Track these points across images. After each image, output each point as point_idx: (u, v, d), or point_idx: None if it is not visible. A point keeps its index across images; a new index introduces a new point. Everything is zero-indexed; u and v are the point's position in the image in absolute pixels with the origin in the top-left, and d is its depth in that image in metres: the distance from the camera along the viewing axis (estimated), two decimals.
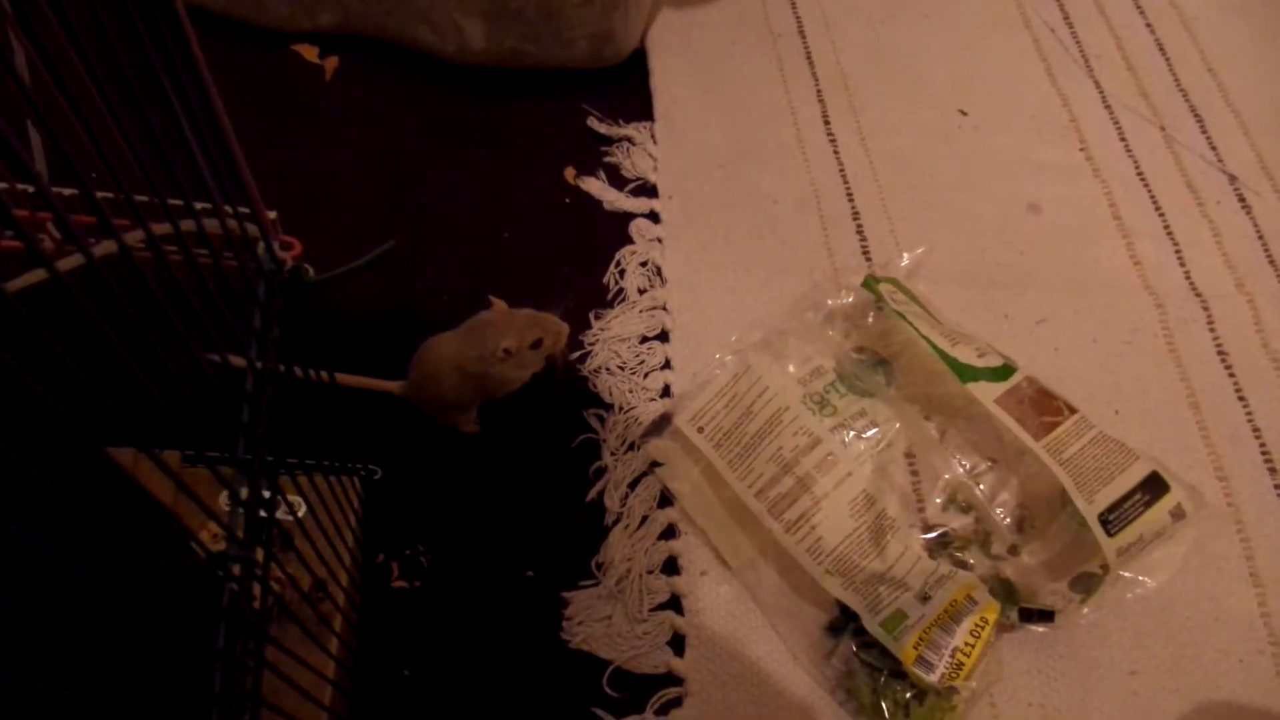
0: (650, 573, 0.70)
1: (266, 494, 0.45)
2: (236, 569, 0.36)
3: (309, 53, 0.94)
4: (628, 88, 0.98)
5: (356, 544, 0.68)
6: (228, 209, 0.39)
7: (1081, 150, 1.00)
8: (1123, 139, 1.01)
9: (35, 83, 0.40)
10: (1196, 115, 1.04)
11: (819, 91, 1.01)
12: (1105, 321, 0.87)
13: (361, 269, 0.75)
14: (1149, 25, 1.11)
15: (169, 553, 0.44)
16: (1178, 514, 0.67)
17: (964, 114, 1.01)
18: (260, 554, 0.39)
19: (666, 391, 0.79)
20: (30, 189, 0.29)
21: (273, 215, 0.43)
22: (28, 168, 0.31)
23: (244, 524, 0.38)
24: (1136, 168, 0.99)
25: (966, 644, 0.63)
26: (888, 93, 1.02)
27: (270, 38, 0.94)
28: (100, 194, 0.32)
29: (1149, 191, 0.97)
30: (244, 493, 0.39)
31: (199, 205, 0.37)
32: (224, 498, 0.57)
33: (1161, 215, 0.96)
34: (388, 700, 0.65)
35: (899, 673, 0.64)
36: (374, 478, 0.71)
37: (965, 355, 0.73)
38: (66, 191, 0.44)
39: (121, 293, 0.33)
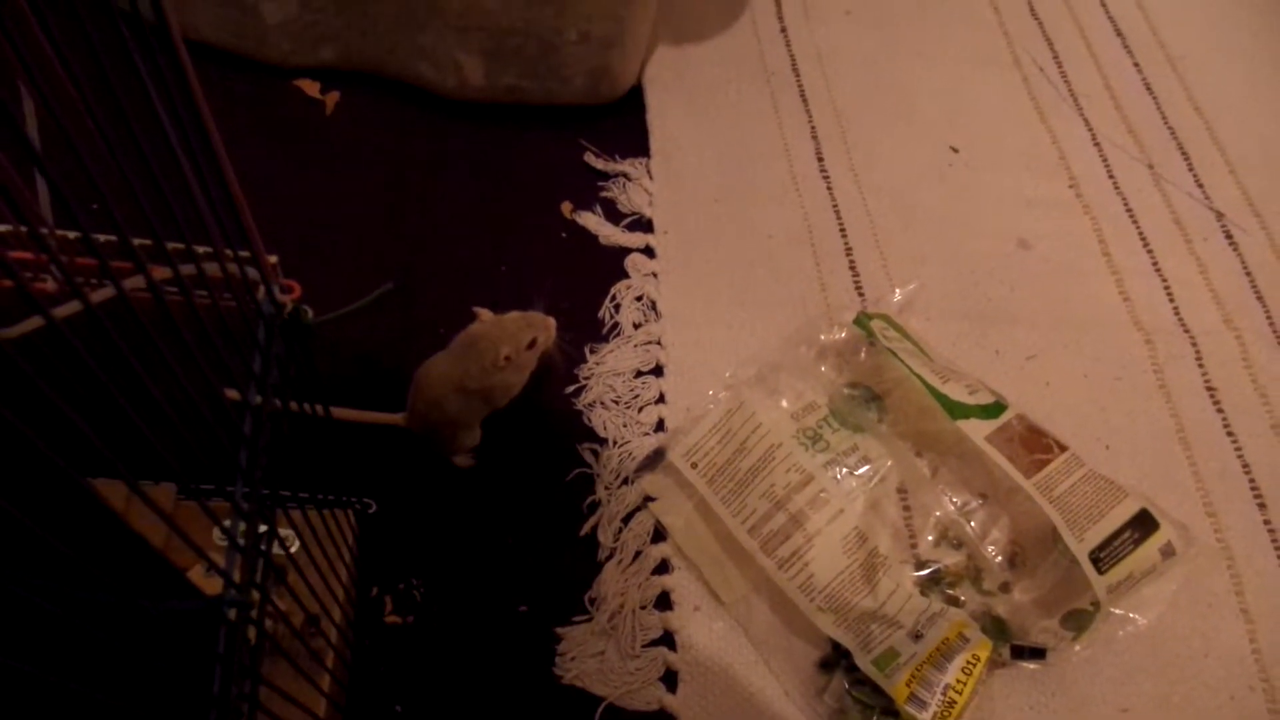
0: (643, 608, 0.71)
1: (262, 530, 0.45)
2: (233, 613, 0.36)
3: (310, 88, 0.95)
4: (624, 123, 0.99)
5: (350, 578, 0.68)
6: (228, 253, 0.39)
7: (1071, 187, 1.02)
8: (1111, 176, 1.03)
9: (41, 127, 0.41)
10: (1184, 153, 1.06)
11: (813, 128, 1.03)
12: (1095, 357, 0.88)
13: (361, 310, 0.75)
14: (1136, 64, 1.13)
15: (160, 589, 0.44)
16: (1168, 551, 0.68)
17: (955, 151, 1.03)
18: (256, 596, 0.39)
19: (660, 426, 0.80)
20: (37, 229, 0.30)
21: (273, 259, 0.43)
22: (31, 215, 0.32)
23: (240, 566, 0.38)
24: (1125, 204, 1.01)
25: (959, 681, 0.63)
26: (880, 129, 1.04)
27: (272, 72, 0.95)
28: (103, 237, 0.33)
29: (1137, 228, 0.99)
30: (240, 533, 0.39)
31: (200, 248, 0.38)
32: (217, 534, 0.57)
33: (1150, 252, 0.97)
34: None
35: (891, 710, 0.64)
36: (368, 511, 0.72)
37: (956, 392, 0.73)
38: (71, 234, 0.45)
39: (119, 337, 0.34)
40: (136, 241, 0.36)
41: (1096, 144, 1.05)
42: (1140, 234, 0.98)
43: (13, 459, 0.32)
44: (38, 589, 0.34)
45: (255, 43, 0.94)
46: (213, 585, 0.51)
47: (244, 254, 0.41)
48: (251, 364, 0.42)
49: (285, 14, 0.91)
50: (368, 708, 0.66)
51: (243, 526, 0.41)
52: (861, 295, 0.90)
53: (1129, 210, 1.00)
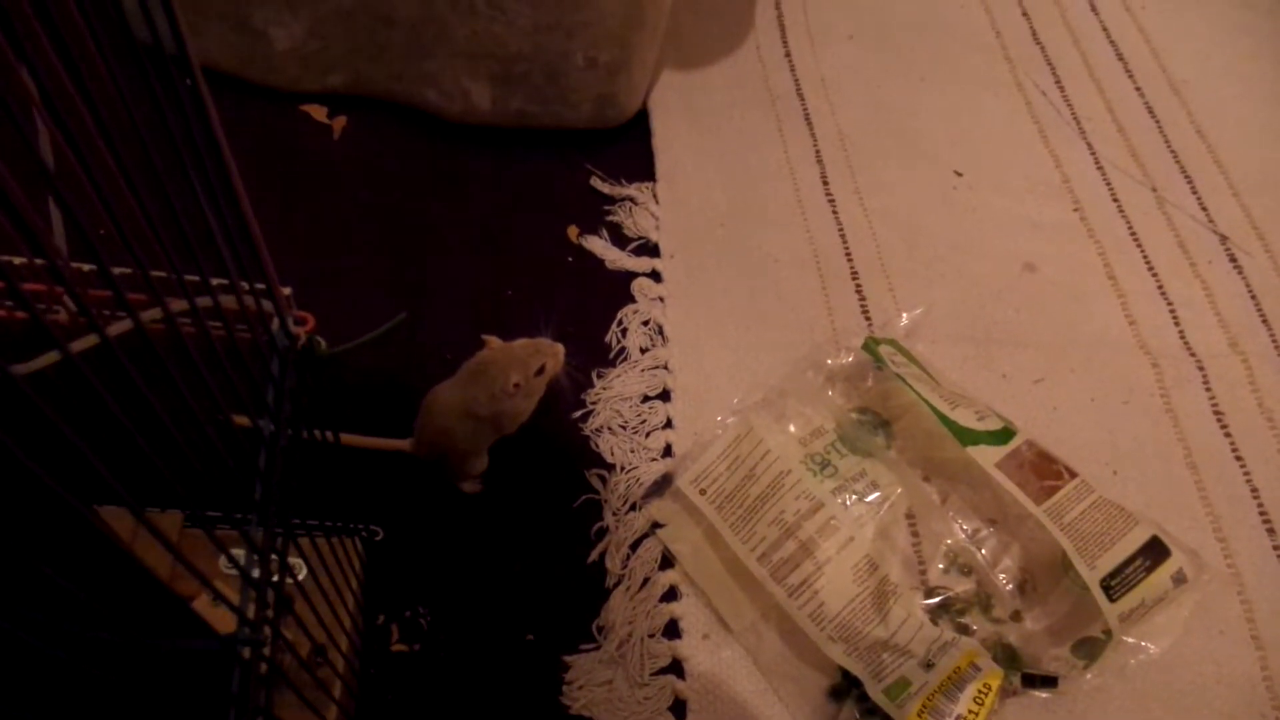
0: (651, 636, 0.70)
1: (274, 561, 0.45)
2: (246, 651, 0.36)
3: (318, 113, 0.96)
4: (630, 148, 1.00)
5: (357, 606, 0.68)
6: (244, 285, 0.39)
7: (1075, 210, 1.02)
8: (1115, 199, 1.03)
9: (57, 158, 0.41)
10: (1187, 176, 1.06)
11: (818, 152, 1.03)
12: (1102, 381, 0.88)
13: (374, 341, 0.76)
14: (1139, 89, 1.14)
15: (166, 620, 0.44)
16: (1179, 579, 0.68)
17: (959, 175, 1.03)
18: (268, 632, 0.39)
19: (668, 451, 0.79)
20: (50, 262, 0.30)
21: (287, 291, 0.43)
22: (47, 246, 0.32)
23: (253, 603, 0.38)
24: (1129, 228, 1.01)
25: (970, 711, 0.63)
26: (885, 153, 1.04)
27: (279, 97, 0.96)
28: (119, 270, 0.33)
29: (1142, 251, 0.99)
30: (255, 570, 0.39)
31: (215, 281, 0.38)
32: (223, 561, 0.57)
33: (1155, 275, 0.97)
34: None
35: None
36: (375, 539, 0.71)
37: (965, 418, 0.73)
38: (86, 267, 0.45)
39: (135, 371, 0.34)
40: (153, 273, 0.36)
41: (1100, 167, 1.06)
42: (1145, 257, 0.99)
43: (17, 488, 0.32)
44: (44, 628, 0.34)
45: (264, 68, 0.95)
46: (218, 614, 0.51)
47: (259, 286, 0.41)
48: (266, 396, 0.41)
49: (294, 40, 0.92)
50: None
51: (254, 563, 0.40)
52: (868, 319, 0.90)
53: (1133, 233, 1.00)
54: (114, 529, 0.39)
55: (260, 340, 0.41)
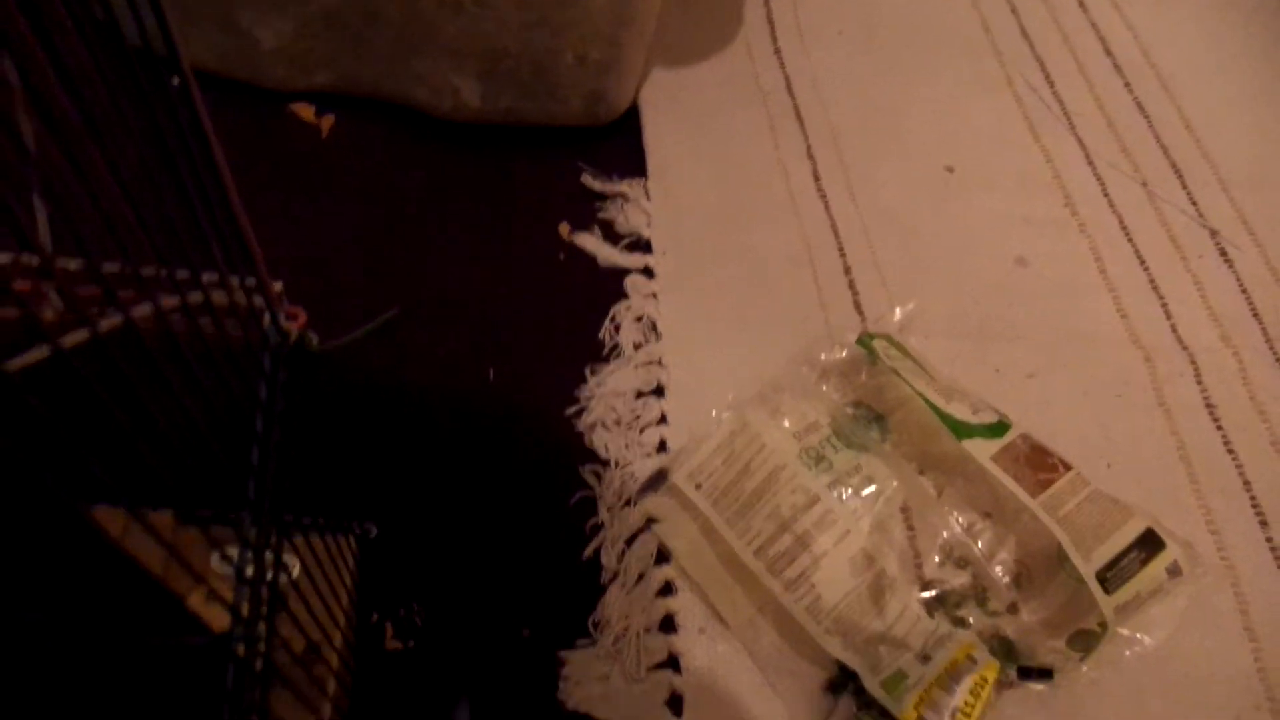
0: (647, 631, 0.70)
1: (268, 559, 0.44)
2: (241, 649, 0.35)
3: (305, 112, 0.95)
4: (621, 145, 0.99)
5: (351, 603, 0.67)
6: (234, 281, 0.39)
7: (1066, 206, 1.02)
8: (1106, 195, 1.03)
9: (41, 152, 0.40)
10: (1177, 171, 1.06)
11: (809, 148, 1.03)
12: (1095, 375, 0.89)
13: (365, 337, 0.75)
14: (1127, 84, 1.15)
15: (159, 617, 0.43)
16: (1174, 571, 0.68)
17: (950, 170, 1.04)
18: (263, 629, 0.38)
19: (663, 447, 0.79)
20: (35, 261, 0.29)
21: (278, 286, 0.43)
22: (31, 240, 0.31)
23: (247, 601, 0.37)
24: (1120, 223, 1.01)
25: (967, 704, 0.63)
26: (876, 149, 1.04)
27: (267, 97, 0.95)
28: (106, 266, 0.32)
29: (1133, 246, 0.99)
30: (248, 568, 0.38)
31: (205, 277, 0.38)
32: (215, 559, 0.56)
33: (1146, 269, 0.98)
34: None
35: None
36: (369, 536, 0.71)
37: (960, 412, 0.73)
38: (72, 264, 0.44)
39: (126, 367, 0.33)
40: (143, 270, 0.35)
41: (1090, 163, 1.06)
42: (1136, 252, 0.99)
43: (6, 485, 0.31)
44: (40, 626, 0.34)
45: (250, 68, 0.94)
46: (211, 611, 0.51)
47: (250, 282, 0.41)
48: (258, 392, 0.41)
49: (280, 39, 0.91)
50: None
51: (247, 559, 0.40)
52: (861, 314, 0.90)
53: (1124, 228, 1.01)
54: (105, 526, 0.38)
55: (252, 336, 0.41)
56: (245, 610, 0.37)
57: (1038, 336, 0.91)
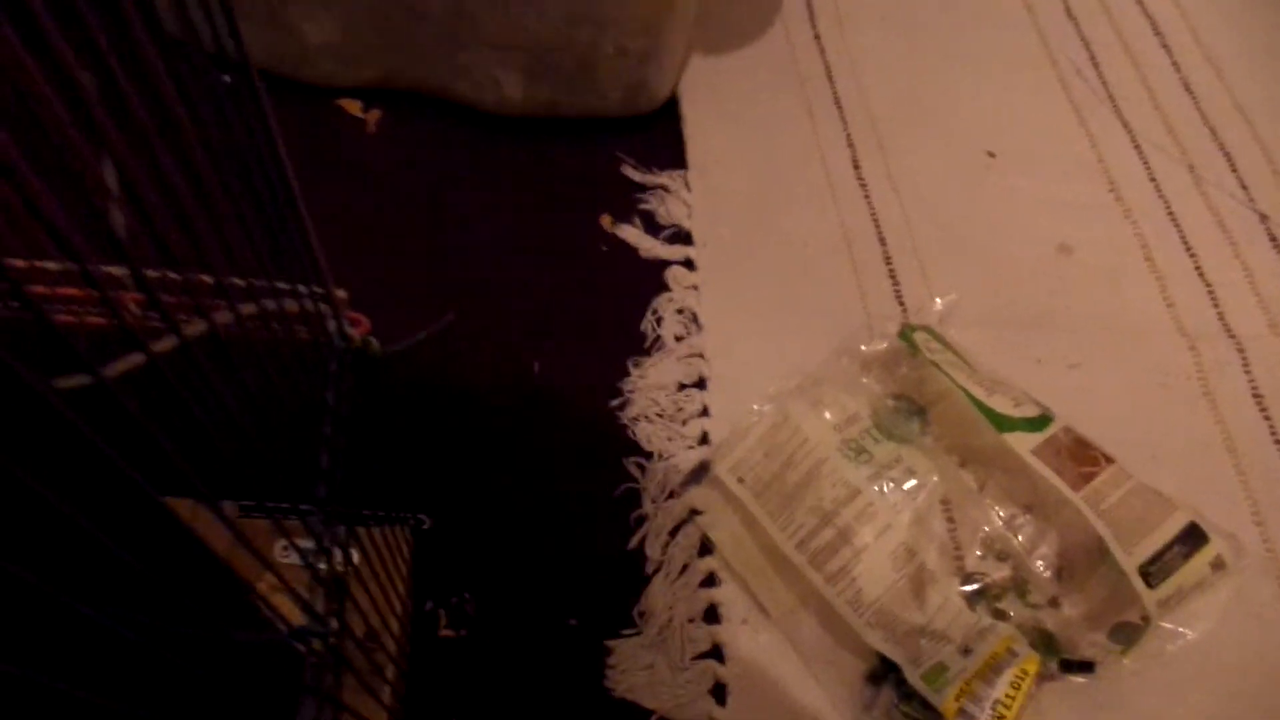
0: (691, 621, 0.71)
1: (336, 554, 0.46)
2: (317, 644, 0.38)
3: (352, 107, 0.97)
4: (661, 135, 1.00)
5: (407, 593, 0.70)
6: (302, 289, 0.41)
7: (1111, 191, 1.01)
8: (1152, 179, 1.02)
9: (119, 160, 0.42)
10: (1226, 153, 1.05)
11: (848, 135, 1.03)
12: (1139, 364, 0.88)
13: (423, 342, 0.77)
14: (1175, 64, 1.12)
15: (228, 611, 0.46)
16: (1218, 565, 0.68)
17: (992, 155, 1.03)
18: (335, 624, 0.40)
19: (705, 439, 0.80)
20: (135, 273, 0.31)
21: (342, 294, 0.45)
22: (127, 254, 0.33)
23: (322, 597, 0.39)
24: (1167, 207, 1.00)
25: (1007, 696, 0.64)
26: (916, 135, 1.03)
27: (313, 93, 0.97)
28: (165, 274, 0.34)
29: (1180, 231, 0.98)
30: (321, 564, 0.40)
31: (278, 285, 0.39)
32: (279, 549, 0.59)
33: (1193, 256, 0.96)
34: None
35: None
36: (423, 527, 0.73)
37: (1001, 405, 0.74)
38: (151, 273, 0.46)
39: (209, 371, 0.35)
40: (223, 280, 0.37)
41: (1136, 146, 1.05)
42: (1183, 237, 0.98)
43: (86, 483, 0.33)
44: (124, 621, 0.36)
45: (296, 63, 0.96)
46: (276, 599, 0.53)
47: (317, 290, 0.42)
48: (325, 396, 0.43)
49: (327, 35, 0.92)
50: None
51: (320, 557, 0.42)
52: (902, 304, 0.90)
53: (1171, 213, 0.99)
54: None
55: (320, 342, 0.43)
56: (320, 606, 0.40)
57: (1080, 326, 0.90)
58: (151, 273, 0.48)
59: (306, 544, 0.49)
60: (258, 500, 0.40)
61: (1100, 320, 0.91)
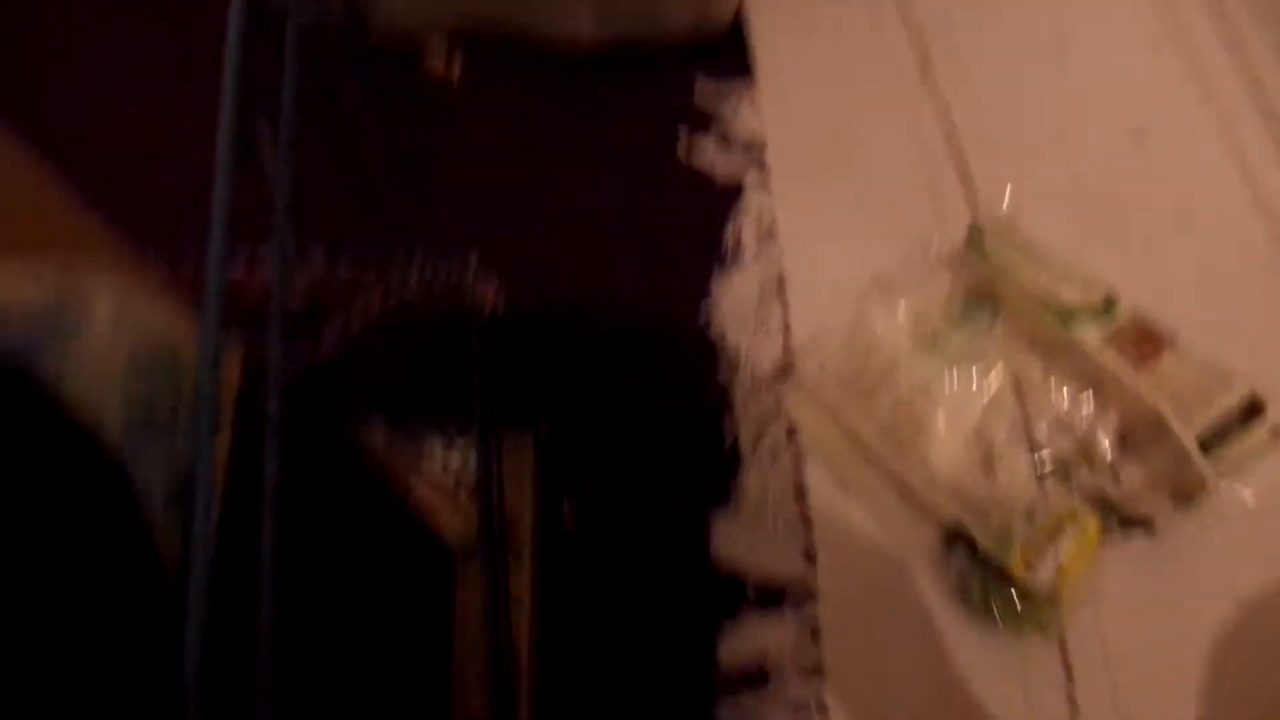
0: (783, 498, 0.81)
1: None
2: (488, 542, 0.48)
3: (436, 66, 1.03)
4: (730, 55, 1.04)
5: (534, 490, 0.81)
6: (443, 263, 0.50)
7: (1189, 67, 1.00)
8: (1234, 53, 1.00)
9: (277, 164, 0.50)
10: None
11: (915, 35, 1.04)
12: (1213, 245, 0.90)
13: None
14: None
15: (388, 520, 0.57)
16: (1276, 432, 0.72)
17: (1062, 42, 1.03)
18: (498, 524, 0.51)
19: (787, 341, 0.88)
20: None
21: (473, 262, 0.54)
22: (295, 252, 0.42)
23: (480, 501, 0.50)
24: (1248, 84, 0.99)
25: (1070, 555, 0.71)
26: (983, 29, 1.04)
27: (400, 61, 1.03)
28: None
29: (1261, 110, 0.97)
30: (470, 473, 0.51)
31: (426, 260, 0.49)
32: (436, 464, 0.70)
33: (1275, 135, 0.96)
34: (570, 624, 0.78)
35: (1008, 581, 0.72)
36: (542, 436, 0.84)
37: (1069, 294, 0.78)
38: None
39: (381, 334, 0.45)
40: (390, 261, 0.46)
41: (1213, 20, 1.03)
42: (1264, 115, 0.97)
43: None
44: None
45: (375, 20, 1.02)
46: (432, 502, 0.65)
47: (457, 263, 0.52)
48: (471, 346, 0.52)
49: None
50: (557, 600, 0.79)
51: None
52: (973, 198, 0.94)
53: (1252, 92, 0.98)
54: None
55: (460, 308, 0.52)
56: (487, 508, 0.50)
57: (1155, 209, 0.92)
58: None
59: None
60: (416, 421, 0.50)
61: (1174, 203, 0.92)
